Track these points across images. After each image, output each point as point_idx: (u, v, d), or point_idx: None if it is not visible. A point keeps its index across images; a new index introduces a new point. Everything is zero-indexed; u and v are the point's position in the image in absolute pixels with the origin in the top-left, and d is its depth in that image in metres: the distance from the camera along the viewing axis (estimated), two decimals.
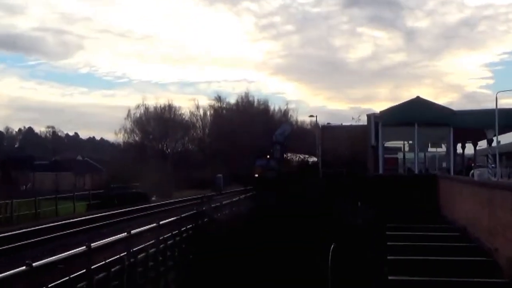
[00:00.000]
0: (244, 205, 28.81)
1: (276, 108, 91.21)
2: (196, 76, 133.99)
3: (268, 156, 46.55)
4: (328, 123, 42.80)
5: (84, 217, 25.67)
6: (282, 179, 31.37)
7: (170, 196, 47.06)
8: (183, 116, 79.35)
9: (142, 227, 16.82)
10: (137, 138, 75.18)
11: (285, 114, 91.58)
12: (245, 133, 74.22)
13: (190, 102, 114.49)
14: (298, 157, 42.02)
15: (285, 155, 43.57)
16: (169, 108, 76.61)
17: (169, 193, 48.18)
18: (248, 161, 61.99)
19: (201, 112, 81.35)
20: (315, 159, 42.82)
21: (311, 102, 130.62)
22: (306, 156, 43.18)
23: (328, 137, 35.78)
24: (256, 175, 45.44)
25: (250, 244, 20.84)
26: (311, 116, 53.78)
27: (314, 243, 20.18)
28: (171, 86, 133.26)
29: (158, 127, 73.22)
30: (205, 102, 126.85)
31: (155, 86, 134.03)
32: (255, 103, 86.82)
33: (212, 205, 23.47)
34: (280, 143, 43.48)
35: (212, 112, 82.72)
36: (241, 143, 74.96)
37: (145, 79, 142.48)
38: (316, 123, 47.87)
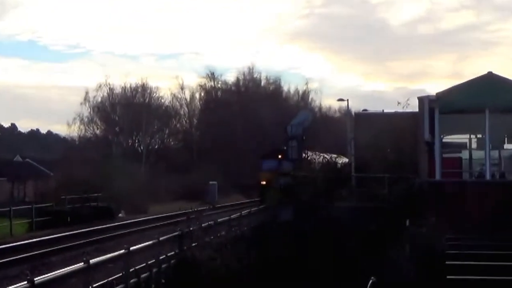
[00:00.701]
0: (246, 225, 28.82)
1: (292, 89, 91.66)
2: (180, 45, 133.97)
3: (280, 156, 46.60)
4: (364, 110, 42.74)
5: (24, 241, 25.73)
6: (301, 189, 31.40)
7: (145, 211, 47.16)
8: (162, 101, 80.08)
9: (104, 254, 16.80)
10: (98, 131, 75.73)
11: (304, 97, 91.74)
12: (248, 123, 74.65)
13: (172, 81, 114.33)
14: (322, 157, 41.94)
15: (304, 154, 43.51)
16: (143, 89, 77.15)
17: (144, 207, 48.27)
18: (252, 163, 62.03)
19: (187, 94, 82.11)
20: (345, 159, 42.75)
21: (340, 80, 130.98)
22: (334, 155, 43.12)
23: (364, 129, 35.63)
24: (263, 183, 45.59)
25: (257, 278, 20.85)
26: (340, 99, 53.70)
27: (345, 275, 20.26)
28: (144, 59, 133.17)
29: (127, 115, 73.54)
30: (192, 80, 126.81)
31: (122, 58, 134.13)
32: (263, 82, 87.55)
33: (203, 225, 23.45)
34: (298, 138, 43.37)
35: (202, 94, 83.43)
36: (243, 138, 75.34)
37: (109, 49, 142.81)
38: (347, 110, 47.97)
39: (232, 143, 75.32)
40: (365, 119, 38.03)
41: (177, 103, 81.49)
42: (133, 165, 62.05)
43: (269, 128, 69.09)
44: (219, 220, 26.18)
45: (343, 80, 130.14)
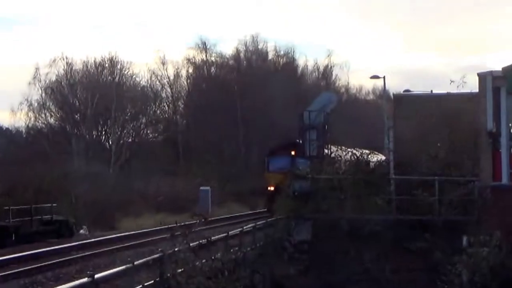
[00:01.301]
0: (250, 244, 28.83)
1: (310, 64, 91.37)
2: (161, 8, 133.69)
3: (293, 153, 46.53)
4: (407, 91, 42.68)
5: None
6: (322, 196, 31.39)
7: (115, 226, 47.29)
8: (137, 79, 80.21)
9: (60, 284, 16.76)
10: (52, 120, 75.86)
11: (325, 74, 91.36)
12: (251, 109, 74.34)
13: (150, 55, 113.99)
14: (350, 153, 41.86)
15: (326, 150, 43.48)
16: (111, 64, 77.07)
17: (113, 221, 48.41)
18: (257, 162, 61.65)
19: (171, 71, 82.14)
20: (381, 157, 42.63)
21: (374, 52, 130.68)
22: (365, 151, 43.01)
23: (407, 116, 35.64)
24: (271, 188, 45.68)
25: None
26: (375, 77, 53.39)
27: None
28: (113, 25, 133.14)
29: (91, 99, 73.43)
30: (178, 53, 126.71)
31: (84, 26, 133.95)
32: (270, 55, 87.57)
33: (192, 244, 23.45)
34: (318, 128, 43.32)
35: (190, 71, 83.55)
36: (244, 128, 74.99)
37: (66, 14, 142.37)
38: (384, 91, 47.69)
39: (229, 135, 75.32)
40: (407, 102, 37.98)
41: (157, 83, 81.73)
42: (99, 165, 62.20)
43: (279, 115, 69.04)
44: (213, 238, 26.15)
45: (377, 52, 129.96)
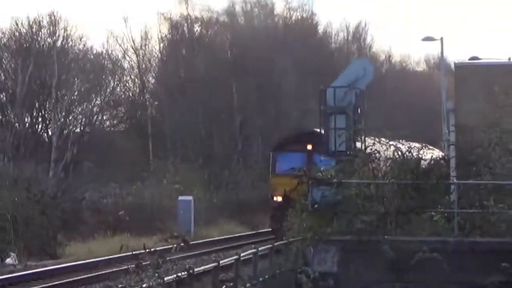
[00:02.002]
0: (250, 279, 28.84)
1: (335, 23, 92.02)
2: None
3: (310, 147, 46.49)
4: (474, 58, 42.63)
5: None
6: (353, 209, 31.39)
7: (56, 252, 47.48)
8: (88, 44, 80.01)
9: None
10: None
11: (357, 35, 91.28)
12: (251, 84, 73.80)
13: (108, 9, 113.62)
14: (392, 147, 41.74)
15: (358, 143, 43.36)
16: (52, 22, 76.83)
17: (54, 247, 48.32)
18: (258, 160, 61.23)
19: (137, 32, 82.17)
20: (436, 152, 42.56)
21: (423, 5, 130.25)
22: (415, 145, 42.93)
23: (474, 94, 35.55)
24: (278, 198, 46.06)
25: None
26: (428, 39, 53.38)
27: None
28: None
29: (21, 71, 73.28)
30: (147, 6, 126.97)
31: None
32: (279, 9, 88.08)
33: (167, 278, 23.35)
34: (347, 112, 43.15)
35: (166, 31, 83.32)
36: (241, 112, 74.56)
37: None
38: (441, 59, 47.56)
39: (221, 123, 75.17)
40: (475, 75, 37.82)
41: (118, 48, 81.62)
42: (33, 166, 61.97)
43: (291, 94, 68.95)
44: (197, 269, 26.02)
45: (431, 5, 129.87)
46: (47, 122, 75.21)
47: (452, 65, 43.62)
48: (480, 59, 41.94)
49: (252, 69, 75.42)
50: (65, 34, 76.59)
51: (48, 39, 76.53)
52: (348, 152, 41.44)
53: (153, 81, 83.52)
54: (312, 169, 39.56)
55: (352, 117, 42.91)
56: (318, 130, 45.22)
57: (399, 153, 38.06)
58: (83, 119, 77.27)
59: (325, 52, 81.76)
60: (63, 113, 74.23)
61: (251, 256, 30.66)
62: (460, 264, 28.62)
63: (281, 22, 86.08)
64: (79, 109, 76.91)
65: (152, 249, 25.92)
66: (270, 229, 48.73)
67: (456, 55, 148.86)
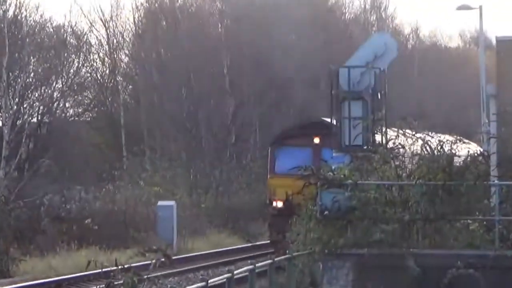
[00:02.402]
0: None
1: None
2: None
3: (318, 140, 46.60)
4: None
5: None
6: (372, 216, 31.46)
7: (8, 270, 47.59)
8: (47, 16, 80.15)
9: None
10: None
11: (376, 4, 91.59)
12: (247, 63, 73.82)
13: None
14: (419, 141, 41.84)
15: (378, 136, 43.47)
16: None
17: (5, 263, 48.40)
18: (254, 156, 61.30)
19: (109, 1, 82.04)
20: (474, 147, 42.63)
21: None
22: (448, 137, 43.10)
23: None
24: (278, 204, 46.47)
25: None
26: (463, 7, 53.52)
27: None
28: None
29: None
30: None
31: None
32: None
33: None
34: (365, 95, 43.31)
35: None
36: (235, 97, 74.63)
37: None
38: (480, 33, 47.60)
39: (210, 111, 75.30)
40: None
41: (83, 21, 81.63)
42: None
43: (296, 74, 69.13)
44: None
45: None
46: None
47: (493, 40, 43.58)
48: None
49: (248, 44, 75.49)
50: (18, 1, 76.71)
51: None
52: (365, 147, 41.58)
53: (126, 59, 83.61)
54: (320, 168, 39.56)
55: (370, 104, 42.99)
56: (329, 119, 45.29)
57: (428, 148, 38.11)
58: (41, 107, 77.33)
59: (337, 24, 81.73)
60: (16, 100, 74.32)
61: (246, 273, 30.71)
62: (501, 282, 28.72)
63: None
64: (36, 95, 77.01)
65: (125, 266, 26.03)
66: (269, 241, 48.82)
67: (497, 28, 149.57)
